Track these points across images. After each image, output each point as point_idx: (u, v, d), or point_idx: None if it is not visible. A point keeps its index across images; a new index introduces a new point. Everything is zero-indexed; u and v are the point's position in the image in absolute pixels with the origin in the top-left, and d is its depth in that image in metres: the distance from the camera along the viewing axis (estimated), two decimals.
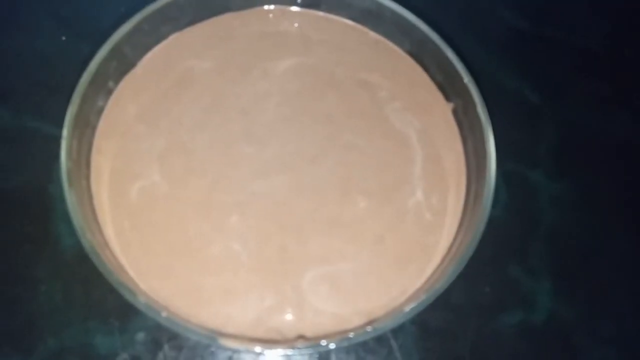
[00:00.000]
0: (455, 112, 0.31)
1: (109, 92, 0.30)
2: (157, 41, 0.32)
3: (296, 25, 0.33)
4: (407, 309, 0.24)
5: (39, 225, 0.33)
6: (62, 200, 0.25)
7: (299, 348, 0.24)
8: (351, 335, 0.24)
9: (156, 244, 0.27)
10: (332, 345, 0.24)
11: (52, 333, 0.31)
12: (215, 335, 0.24)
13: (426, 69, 0.32)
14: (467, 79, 0.29)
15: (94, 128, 0.29)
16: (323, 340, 0.24)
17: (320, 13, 0.33)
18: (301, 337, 0.26)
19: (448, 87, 0.31)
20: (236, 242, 0.28)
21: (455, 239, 0.29)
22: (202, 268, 0.27)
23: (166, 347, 0.30)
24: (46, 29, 0.37)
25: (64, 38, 0.37)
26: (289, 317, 0.27)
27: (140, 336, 0.31)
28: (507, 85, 0.37)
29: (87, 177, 0.28)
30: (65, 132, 0.27)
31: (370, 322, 0.26)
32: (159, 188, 0.28)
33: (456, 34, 0.32)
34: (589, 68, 0.38)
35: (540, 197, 0.35)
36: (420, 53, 0.32)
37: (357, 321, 0.26)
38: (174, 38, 0.32)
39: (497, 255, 0.33)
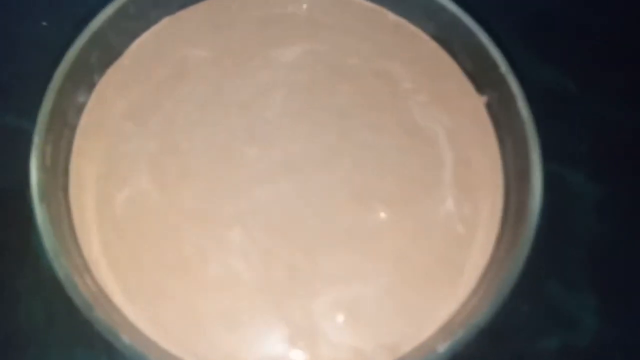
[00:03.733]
0: (488, 106, 0.29)
1: (91, 86, 0.28)
2: (146, 27, 0.29)
3: (304, 6, 0.30)
4: (442, 349, 0.21)
5: (19, 234, 0.30)
6: None
7: None
8: None
9: (146, 261, 0.25)
10: None
11: (32, 358, 0.28)
12: None
13: (455, 55, 0.30)
14: (504, 67, 0.26)
15: (73, 128, 0.27)
16: None
17: None
18: None
19: (480, 77, 0.29)
20: (237, 259, 0.25)
21: (493, 256, 0.26)
22: (198, 290, 0.25)
23: None
24: (25, 12, 0.35)
25: (44, 23, 0.34)
26: (299, 353, 0.24)
27: None
28: (543, 76, 0.34)
29: (65, 186, 0.26)
30: (36, 138, 0.24)
31: None
32: (150, 196, 0.26)
33: (488, 16, 0.29)
34: (637, 61, 0.35)
35: (583, 203, 0.32)
36: (448, 37, 0.29)
37: (380, 357, 0.24)
38: (165, 23, 0.29)
39: (535, 269, 0.28)
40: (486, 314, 0.22)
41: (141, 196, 0.26)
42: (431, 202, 0.27)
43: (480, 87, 0.29)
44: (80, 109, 0.27)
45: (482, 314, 0.22)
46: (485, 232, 0.27)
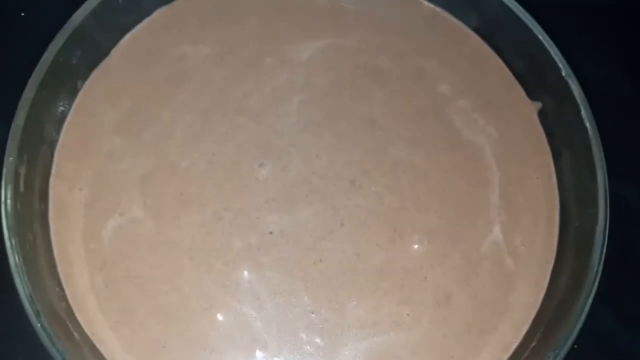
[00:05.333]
0: (541, 115, 0.27)
1: (74, 93, 0.26)
2: (138, 19, 0.27)
3: None
4: None
5: None
6: None
7: None
8: None
9: (139, 307, 0.23)
10: None
11: None
12: None
13: (502, 53, 0.28)
14: (565, 70, 0.25)
15: (52, 144, 0.25)
16: None
17: None
18: None
19: (533, 80, 0.27)
20: (248, 304, 0.23)
21: (548, 295, 0.24)
22: (202, 341, 0.22)
23: None
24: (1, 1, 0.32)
25: (23, 14, 0.31)
26: None
27: None
28: (602, 78, 0.31)
29: (43, 214, 0.24)
30: (8, 157, 0.22)
31: None
32: (143, 226, 0.24)
33: (543, 6, 0.26)
34: None
35: None
36: (495, 31, 0.27)
37: None
38: (160, 14, 0.27)
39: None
40: None
41: (133, 226, 0.24)
42: (475, 231, 0.25)
43: (532, 92, 0.27)
44: (60, 121, 0.26)
45: None
46: (538, 265, 0.25)
